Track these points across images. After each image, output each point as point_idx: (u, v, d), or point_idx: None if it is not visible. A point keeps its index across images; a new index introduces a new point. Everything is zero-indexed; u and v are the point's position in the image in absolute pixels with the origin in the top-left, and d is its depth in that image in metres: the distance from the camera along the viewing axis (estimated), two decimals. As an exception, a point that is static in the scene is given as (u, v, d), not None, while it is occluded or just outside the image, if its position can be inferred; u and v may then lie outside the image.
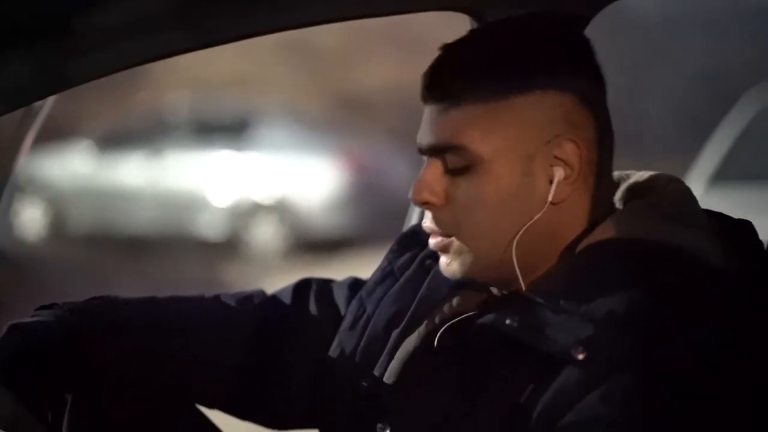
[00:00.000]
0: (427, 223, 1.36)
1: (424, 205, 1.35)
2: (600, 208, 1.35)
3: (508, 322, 1.28)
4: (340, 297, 1.59)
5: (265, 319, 1.58)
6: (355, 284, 1.60)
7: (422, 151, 1.37)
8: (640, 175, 1.41)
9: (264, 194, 10.30)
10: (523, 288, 1.33)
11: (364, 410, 1.42)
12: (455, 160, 1.33)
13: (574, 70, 1.35)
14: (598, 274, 1.27)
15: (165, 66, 11.31)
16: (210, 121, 10.79)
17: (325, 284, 1.62)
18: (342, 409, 1.46)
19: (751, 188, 4.45)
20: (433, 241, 1.37)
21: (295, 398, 1.55)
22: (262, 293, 1.62)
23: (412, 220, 1.93)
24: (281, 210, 10.27)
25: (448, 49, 1.38)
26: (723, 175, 4.77)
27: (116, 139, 10.95)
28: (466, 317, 1.36)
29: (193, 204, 10.36)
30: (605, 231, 1.32)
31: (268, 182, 10.31)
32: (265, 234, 10.24)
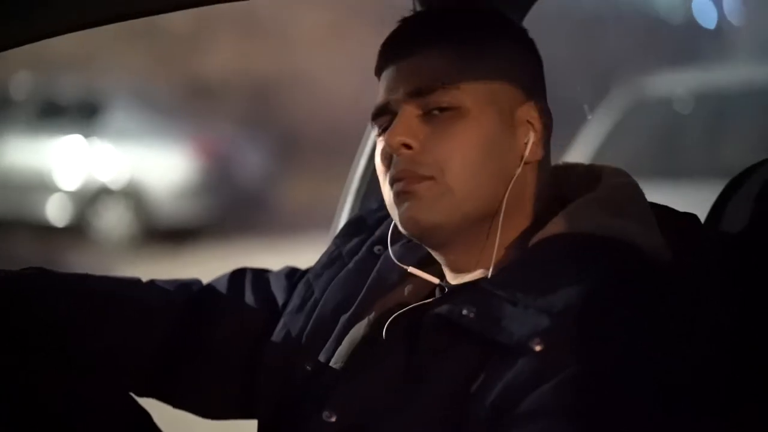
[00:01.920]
0: (401, 165, 1.35)
1: (402, 147, 1.34)
2: (546, 196, 1.38)
3: (464, 312, 1.27)
4: (277, 286, 1.58)
5: (199, 304, 1.56)
6: (292, 273, 1.59)
7: (389, 106, 1.38)
8: (586, 167, 1.44)
9: (112, 178, 10.10)
10: (495, 247, 1.35)
11: (306, 395, 1.40)
12: (436, 101, 1.34)
13: (530, 44, 1.42)
14: (554, 268, 1.28)
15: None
16: (55, 102, 10.54)
17: (261, 274, 1.60)
18: (283, 394, 1.44)
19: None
20: (402, 185, 1.35)
21: (229, 386, 1.54)
22: (199, 282, 1.60)
23: (346, 206, 1.90)
24: (129, 195, 10.08)
25: (415, 15, 1.43)
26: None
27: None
28: (418, 305, 1.36)
29: (36, 186, 10.10)
30: (558, 225, 1.33)
31: (116, 167, 10.12)
32: (112, 220, 10.04)
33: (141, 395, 1.54)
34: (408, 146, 1.34)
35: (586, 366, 1.20)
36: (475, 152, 1.33)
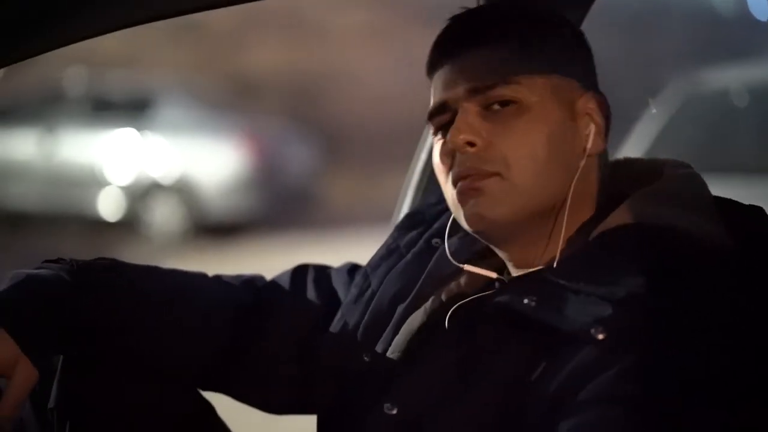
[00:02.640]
0: (466, 163, 1.34)
1: (466, 146, 1.33)
2: (607, 188, 1.38)
3: (525, 301, 1.27)
4: (338, 282, 1.59)
5: (263, 300, 1.57)
6: (354, 269, 1.60)
7: (446, 118, 1.37)
8: (648, 162, 1.44)
9: (162, 174, 10.15)
10: (561, 242, 1.34)
11: (364, 387, 1.41)
12: (497, 95, 1.34)
13: (581, 36, 1.42)
14: (616, 259, 1.28)
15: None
16: (107, 99, 10.63)
17: (323, 270, 1.62)
18: (341, 384, 1.45)
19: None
20: (467, 182, 1.34)
21: (291, 381, 1.55)
22: (262, 278, 1.62)
23: (406, 200, 1.90)
24: (180, 190, 10.14)
25: (467, 12, 1.41)
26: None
27: (8, 114, 10.69)
28: (478, 296, 1.36)
29: (88, 181, 10.18)
30: (620, 217, 1.32)
31: (167, 162, 10.17)
32: (163, 215, 10.10)
33: (205, 389, 1.56)
34: (472, 144, 1.33)
35: (647, 356, 1.19)
36: (540, 146, 1.33)
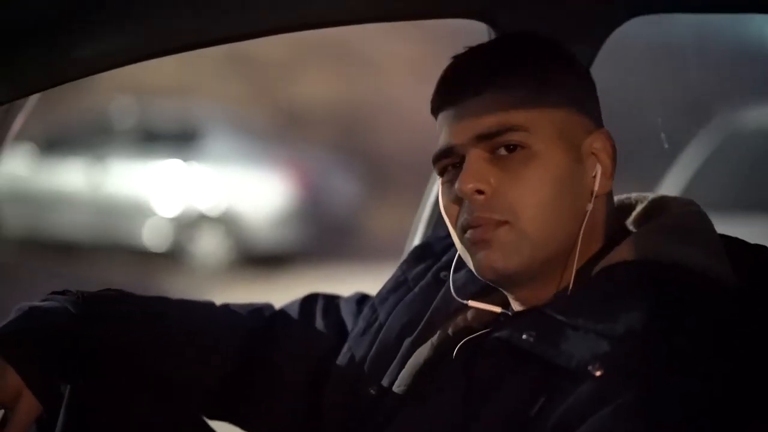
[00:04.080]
0: (476, 212, 1.33)
1: (475, 194, 1.33)
2: (612, 226, 1.37)
3: (524, 336, 1.28)
4: (347, 312, 1.59)
5: (270, 330, 1.58)
6: (363, 300, 1.60)
7: (453, 161, 1.36)
8: (656, 198, 1.43)
9: (209, 205, 10.22)
10: (570, 282, 1.34)
11: (370, 420, 1.41)
12: (504, 141, 1.33)
13: (585, 71, 1.41)
14: (616, 295, 1.28)
15: (110, 71, 11.20)
16: (155, 129, 10.70)
17: (332, 299, 1.62)
18: (347, 417, 1.45)
19: (712, 215, 4.47)
20: (478, 232, 1.34)
21: (297, 411, 1.55)
22: (271, 306, 1.62)
23: (418, 233, 1.91)
24: (226, 222, 10.19)
25: (472, 50, 1.40)
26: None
27: (58, 143, 10.81)
28: (484, 332, 1.36)
29: (135, 212, 10.25)
30: (622, 252, 1.32)
31: (213, 193, 10.23)
32: (209, 246, 10.16)
33: (212, 418, 1.57)
34: (480, 192, 1.33)
35: (644, 392, 1.19)
36: (548, 193, 1.32)
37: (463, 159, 1.35)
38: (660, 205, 1.40)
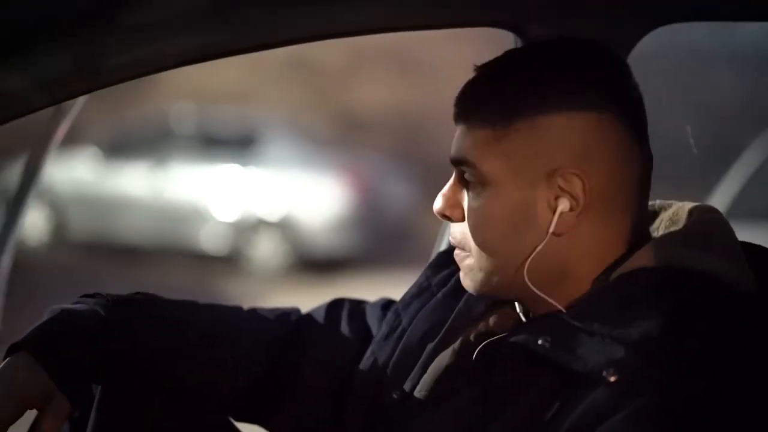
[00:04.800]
0: (451, 236, 1.40)
1: (443, 217, 1.39)
2: (632, 236, 1.36)
3: (540, 342, 1.29)
4: (372, 317, 1.60)
5: (296, 335, 1.59)
6: (388, 305, 1.61)
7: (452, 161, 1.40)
8: (680, 206, 1.43)
9: (267, 210, 10.28)
10: (556, 304, 1.34)
11: (392, 424, 1.43)
12: (467, 175, 1.36)
13: (596, 94, 1.34)
14: (632, 300, 1.29)
15: (171, 76, 11.33)
16: (215, 134, 10.78)
17: (358, 305, 1.64)
18: (370, 421, 1.47)
19: (759, 227, 4.44)
20: (455, 252, 1.40)
21: (321, 415, 1.56)
22: (298, 311, 1.64)
23: (444, 239, 1.93)
24: (284, 226, 10.25)
25: (477, 70, 1.40)
26: (734, 213, 4.76)
27: (121, 148, 10.93)
28: (500, 336, 1.38)
29: (195, 216, 10.34)
30: (639, 259, 1.33)
31: (271, 198, 10.29)
32: (267, 250, 10.22)
33: (239, 420, 1.59)
34: (446, 216, 1.39)
35: (658, 398, 1.20)
36: (493, 229, 1.35)
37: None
38: (681, 212, 1.41)
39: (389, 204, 10.73)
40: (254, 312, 1.61)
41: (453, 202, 1.38)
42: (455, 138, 1.38)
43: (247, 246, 10.24)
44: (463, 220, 1.37)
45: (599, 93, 1.34)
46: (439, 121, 12.98)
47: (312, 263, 10.13)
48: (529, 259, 1.33)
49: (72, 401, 1.42)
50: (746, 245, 1.38)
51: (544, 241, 1.33)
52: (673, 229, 1.37)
